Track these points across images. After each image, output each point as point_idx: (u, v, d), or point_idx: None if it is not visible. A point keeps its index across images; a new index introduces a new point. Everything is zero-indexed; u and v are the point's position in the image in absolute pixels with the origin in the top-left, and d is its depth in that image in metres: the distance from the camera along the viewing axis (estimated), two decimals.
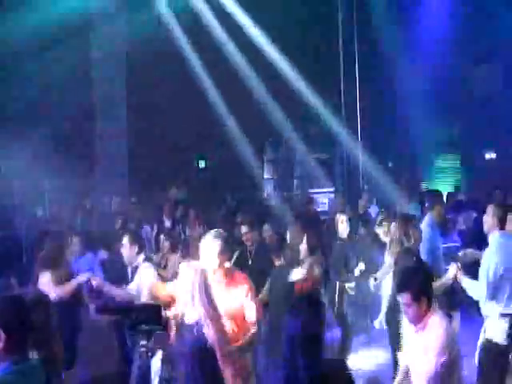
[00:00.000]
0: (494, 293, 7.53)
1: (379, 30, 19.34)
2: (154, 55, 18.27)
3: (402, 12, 19.34)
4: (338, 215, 11.01)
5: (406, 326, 5.82)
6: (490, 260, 7.64)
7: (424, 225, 9.67)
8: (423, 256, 8.92)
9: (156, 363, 6.04)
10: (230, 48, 19.39)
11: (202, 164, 22.52)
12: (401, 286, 5.64)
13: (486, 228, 8.05)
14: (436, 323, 5.51)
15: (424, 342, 5.49)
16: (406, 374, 5.81)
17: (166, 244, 10.95)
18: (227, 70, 19.07)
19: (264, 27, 19.24)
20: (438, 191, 11.21)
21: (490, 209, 8.02)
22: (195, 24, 18.90)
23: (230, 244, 7.49)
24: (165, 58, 18.53)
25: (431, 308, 5.55)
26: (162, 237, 11.45)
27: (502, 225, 7.94)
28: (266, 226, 11.18)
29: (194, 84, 19.06)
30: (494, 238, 7.88)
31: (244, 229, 10.33)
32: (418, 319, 5.53)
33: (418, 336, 5.58)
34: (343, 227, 10.58)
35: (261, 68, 19.61)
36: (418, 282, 5.58)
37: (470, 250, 8.99)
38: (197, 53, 19.31)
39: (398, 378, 6.01)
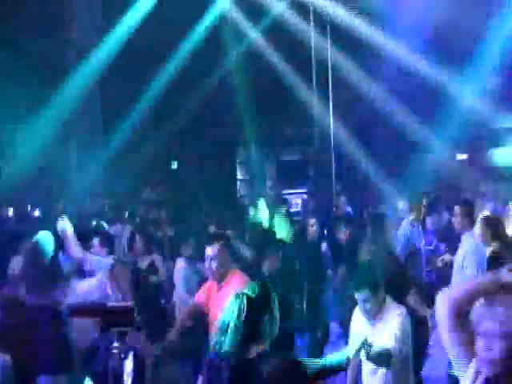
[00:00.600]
0: None
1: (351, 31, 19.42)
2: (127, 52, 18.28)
3: (374, 12, 19.38)
4: (308, 218, 11.07)
5: (359, 322, 5.76)
6: (468, 259, 7.72)
7: (405, 222, 9.99)
8: (399, 251, 9.13)
9: (129, 364, 6.04)
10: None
11: (174, 165, 22.47)
12: (358, 283, 5.62)
13: (458, 228, 8.15)
14: (394, 310, 5.55)
15: (383, 330, 5.49)
16: (359, 369, 5.79)
17: (139, 244, 10.90)
18: (202, 71, 19.12)
19: None
20: (418, 192, 11.34)
21: (459, 210, 8.12)
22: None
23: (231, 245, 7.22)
24: (138, 56, 18.50)
25: (386, 300, 5.59)
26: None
27: (472, 224, 8.05)
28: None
29: (167, 85, 19.03)
30: (468, 238, 7.97)
31: (212, 229, 10.40)
32: (375, 313, 5.55)
33: (376, 328, 5.57)
34: (313, 230, 10.61)
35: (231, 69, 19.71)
36: (374, 277, 5.62)
37: (448, 257, 9.13)
38: (170, 54, 19.25)
39: (351, 374, 5.94)
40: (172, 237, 12.17)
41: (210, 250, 6.36)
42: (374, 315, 5.57)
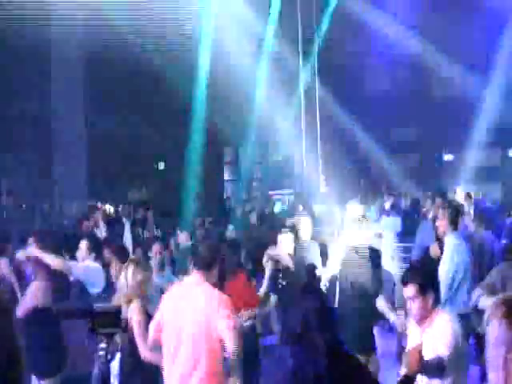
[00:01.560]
0: (452, 295, 7.60)
1: (339, 28, 19.43)
2: (111, 59, 18.18)
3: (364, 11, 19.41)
4: (300, 218, 10.94)
5: (412, 325, 5.44)
6: (448, 264, 7.69)
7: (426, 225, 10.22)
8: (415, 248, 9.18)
9: (115, 366, 6.00)
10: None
11: (161, 166, 22.41)
12: (406, 277, 5.32)
13: (440, 232, 8.13)
14: (444, 321, 5.20)
15: (432, 340, 5.12)
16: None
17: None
18: (188, 72, 19.08)
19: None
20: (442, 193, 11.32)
21: (442, 212, 8.10)
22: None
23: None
24: (122, 60, 18.41)
25: (437, 306, 5.26)
26: None
27: (454, 226, 8.03)
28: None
29: (154, 85, 18.96)
30: (449, 240, 7.95)
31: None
32: (423, 316, 5.23)
33: (427, 334, 5.21)
34: (306, 230, 10.48)
35: (221, 70, 19.62)
36: (424, 275, 5.34)
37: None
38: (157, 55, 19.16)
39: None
40: (159, 237, 12.14)
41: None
42: (421, 319, 5.25)
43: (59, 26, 16.95)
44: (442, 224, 8.05)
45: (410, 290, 5.19)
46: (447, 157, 22.19)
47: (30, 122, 17.69)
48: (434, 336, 5.08)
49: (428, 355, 5.08)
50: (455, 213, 8.16)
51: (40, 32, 16.37)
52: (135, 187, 18.86)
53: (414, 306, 5.19)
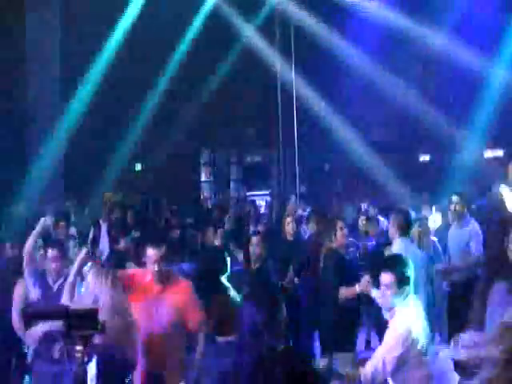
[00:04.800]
0: None
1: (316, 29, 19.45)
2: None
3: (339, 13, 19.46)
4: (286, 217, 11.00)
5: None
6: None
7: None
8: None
9: (92, 369, 5.93)
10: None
11: (137, 167, 22.26)
12: (386, 264, 5.52)
13: (390, 236, 8.14)
14: (403, 315, 5.35)
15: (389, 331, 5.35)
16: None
17: None
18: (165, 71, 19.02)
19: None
20: None
21: (391, 217, 8.10)
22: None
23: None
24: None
25: (403, 303, 5.38)
26: None
27: (402, 232, 7.98)
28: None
29: (131, 84, 18.84)
30: (395, 246, 7.95)
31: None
32: (389, 308, 5.40)
33: (389, 324, 5.42)
34: (290, 228, 10.59)
35: (197, 68, 19.57)
36: (402, 269, 5.45)
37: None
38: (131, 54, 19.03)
39: None
40: (138, 239, 12.11)
41: None
42: (387, 307, 5.43)
43: None
44: (390, 229, 8.07)
45: (386, 277, 5.25)
46: (423, 157, 22.21)
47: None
48: (391, 327, 5.18)
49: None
50: (404, 218, 8.16)
51: None
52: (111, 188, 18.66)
53: (386, 294, 5.26)
